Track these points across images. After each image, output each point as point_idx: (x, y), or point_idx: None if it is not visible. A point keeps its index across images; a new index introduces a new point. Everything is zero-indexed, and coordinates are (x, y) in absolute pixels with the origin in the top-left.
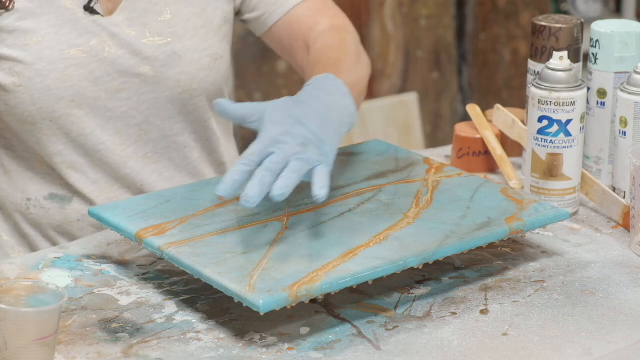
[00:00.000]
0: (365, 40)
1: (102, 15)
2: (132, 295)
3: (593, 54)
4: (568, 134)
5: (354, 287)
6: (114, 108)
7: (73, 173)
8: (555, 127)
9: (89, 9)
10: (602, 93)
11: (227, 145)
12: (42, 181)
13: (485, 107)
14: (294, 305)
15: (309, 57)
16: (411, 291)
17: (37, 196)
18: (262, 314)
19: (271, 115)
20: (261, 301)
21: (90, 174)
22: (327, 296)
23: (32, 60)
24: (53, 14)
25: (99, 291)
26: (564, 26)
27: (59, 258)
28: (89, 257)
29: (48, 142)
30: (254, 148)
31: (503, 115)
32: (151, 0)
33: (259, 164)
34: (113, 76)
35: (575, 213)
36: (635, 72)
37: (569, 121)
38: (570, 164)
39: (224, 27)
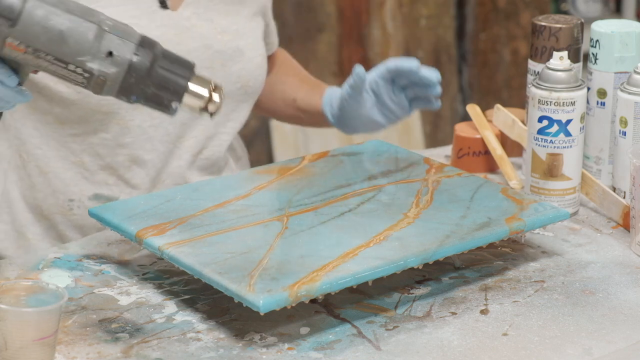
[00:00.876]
0: (365, 40)
1: (171, 10)
2: (132, 295)
3: (593, 54)
4: (568, 134)
5: (354, 287)
6: None
7: (135, 167)
8: (555, 127)
9: (162, 2)
10: (602, 93)
11: (240, 142)
12: (85, 181)
13: (485, 107)
14: (294, 305)
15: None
16: (411, 291)
17: (80, 197)
18: (262, 314)
19: None
20: (261, 301)
21: (151, 171)
22: (327, 296)
23: None
24: (132, 4)
25: (99, 291)
26: (564, 26)
27: (59, 258)
28: (88, 257)
29: (119, 133)
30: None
31: (503, 115)
32: (212, 0)
33: None
34: None
35: (575, 213)
36: (635, 72)
37: (569, 121)
38: (570, 164)
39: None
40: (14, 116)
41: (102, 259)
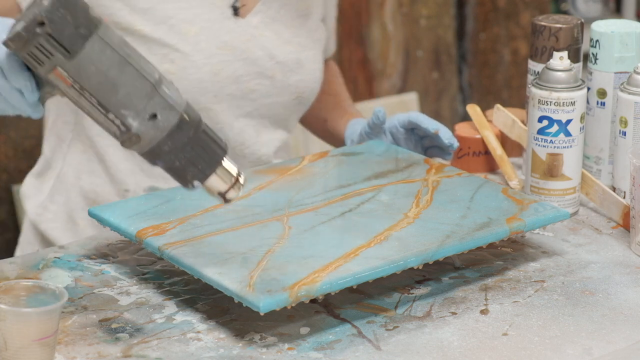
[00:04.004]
0: (365, 40)
1: (241, 17)
2: (132, 295)
3: (593, 54)
4: (568, 134)
5: (354, 287)
6: (243, 106)
7: None
8: (555, 127)
9: (234, 8)
10: (602, 93)
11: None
12: (142, 173)
13: (485, 107)
14: (293, 305)
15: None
16: (411, 291)
17: (135, 188)
18: (262, 314)
19: None
20: (261, 301)
21: None
22: (327, 296)
23: (189, 51)
24: (207, 7)
25: (99, 291)
26: (564, 26)
27: (59, 258)
28: (89, 257)
29: None
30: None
31: (503, 115)
32: (280, 9)
33: None
34: (251, 76)
35: (575, 213)
36: (635, 72)
37: (569, 121)
38: (570, 164)
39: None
40: None
41: (102, 259)
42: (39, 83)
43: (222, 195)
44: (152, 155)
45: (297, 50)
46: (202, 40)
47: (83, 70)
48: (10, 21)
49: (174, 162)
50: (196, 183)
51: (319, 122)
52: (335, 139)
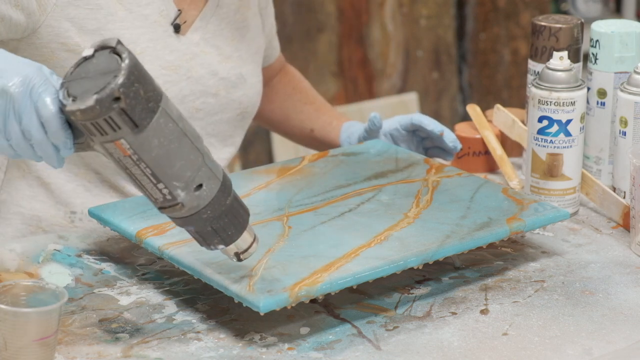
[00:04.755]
0: (365, 40)
1: (182, 34)
2: (132, 295)
3: (593, 54)
4: (568, 134)
5: (354, 287)
6: None
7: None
8: (555, 127)
9: (176, 26)
10: (602, 93)
11: None
12: (88, 194)
13: (485, 107)
14: (293, 305)
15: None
16: (411, 291)
17: (82, 209)
18: (262, 314)
19: None
20: (261, 301)
21: None
22: (327, 296)
23: None
24: (150, 27)
25: (99, 291)
26: (564, 26)
27: (59, 250)
28: (88, 252)
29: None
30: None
31: (503, 115)
32: (219, 24)
33: None
34: (196, 95)
35: (575, 213)
36: (635, 72)
37: (569, 121)
38: (570, 164)
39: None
40: None
41: (101, 255)
42: (75, 137)
43: (238, 255)
44: (187, 221)
45: (239, 65)
46: (146, 60)
47: (147, 144)
48: (40, 67)
49: (206, 228)
50: (220, 247)
51: (304, 133)
52: (327, 146)
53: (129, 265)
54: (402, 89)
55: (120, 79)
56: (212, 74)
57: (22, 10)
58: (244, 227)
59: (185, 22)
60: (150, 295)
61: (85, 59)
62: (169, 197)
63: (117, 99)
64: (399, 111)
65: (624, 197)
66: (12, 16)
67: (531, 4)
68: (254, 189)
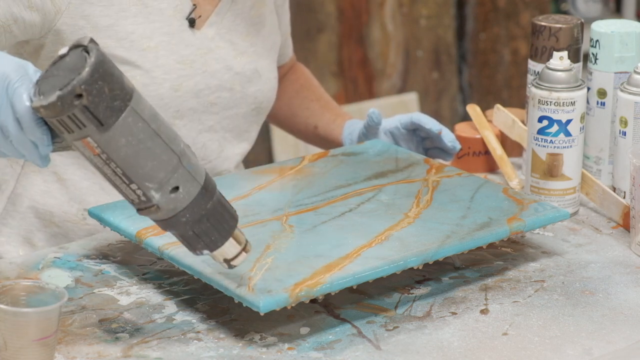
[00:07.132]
0: (365, 40)
1: (197, 29)
2: (132, 295)
3: (593, 54)
4: (568, 134)
5: (354, 287)
6: (205, 120)
7: None
8: (555, 127)
9: (191, 20)
10: (602, 93)
11: None
12: (102, 192)
13: (485, 107)
14: (293, 305)
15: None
16: (411, 291)
17: None
18: (262, 314)
19: None
20: (261, 301)
21: None
22: (327, 296)
23: (149, 67)
24: (165, 21)
25: (99, 291)
26: (564, 26)
27: (59, 258)
28: (89, 257)
29: None
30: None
31: (503, 115)
32: (234, 20)
33: None
34: (211, 89)
35: (575, 213)
36: (635, 72)
37: (569, 121)
38: (570, 164)
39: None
40: None
41: (102, 258)
42: (53, 135)
43: (228, 262)
44: (167, 225)
45: (254, 60)
46: (161, 55)
47: (113, 143)
48: (24, 64)
49: (187, 232)
50: (205, 252)
51: (308, 129)
52: (330, 143)
53: (129, 266)
54: (402, 89)
55: (83, 76)
56: (227, 68)
57: (37, 11)
58: (229, 233)
59: (200, 16)
60: (150, 295)
61: (61, 57)
62: (143, 198)
63: (79, 95)
64: (399, 111)
65: (624, 197)
66: (25, 17)
67: (531, 4)
68: (253, 189)
